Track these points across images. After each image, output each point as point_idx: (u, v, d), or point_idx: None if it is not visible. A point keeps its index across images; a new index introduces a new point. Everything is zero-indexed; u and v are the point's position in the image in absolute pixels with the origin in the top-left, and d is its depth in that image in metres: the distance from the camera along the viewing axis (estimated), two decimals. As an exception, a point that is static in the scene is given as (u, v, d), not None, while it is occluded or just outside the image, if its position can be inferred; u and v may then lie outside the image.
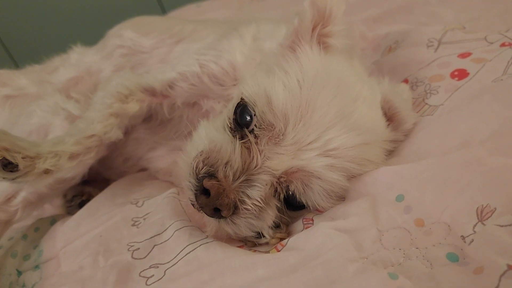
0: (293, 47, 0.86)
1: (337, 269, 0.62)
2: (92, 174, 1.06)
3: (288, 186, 0.76)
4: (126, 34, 1.23)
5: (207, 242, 0.77)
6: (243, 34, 1.00)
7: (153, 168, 1.11)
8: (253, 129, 0.78)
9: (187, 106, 1.03)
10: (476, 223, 0.63)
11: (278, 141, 0.75)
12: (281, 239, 0.78)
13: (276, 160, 0.74)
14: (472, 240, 0.61)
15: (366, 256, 0.66)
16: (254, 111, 0.78)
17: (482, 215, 0.63)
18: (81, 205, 1.08)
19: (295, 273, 0.64)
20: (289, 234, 0.80)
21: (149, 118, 1.07)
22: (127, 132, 1.04)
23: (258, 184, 0.73)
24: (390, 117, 0.88)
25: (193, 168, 0.76)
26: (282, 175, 0.75)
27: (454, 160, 0.72)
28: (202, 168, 0.74)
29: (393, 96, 0.89)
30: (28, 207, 0.96)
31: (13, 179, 0.79)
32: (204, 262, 0.72)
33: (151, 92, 0.99)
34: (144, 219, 0.89)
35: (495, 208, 0.63)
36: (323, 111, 0.75)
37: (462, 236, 0.63)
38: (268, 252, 0.75)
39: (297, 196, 0.77)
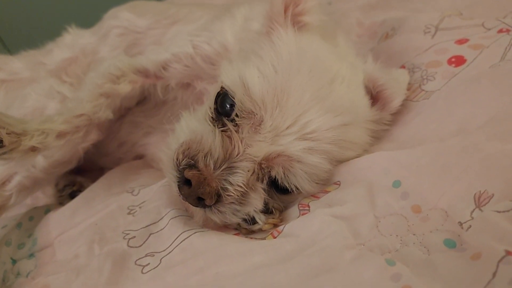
0: (268, 32, 0.85)
1: (334, 256, 0.62)
2: (87, 162, 1.05)
3: (270, 171, 0.77)
4: (122, 15, 1.22)
5: (203, 230, 0.76)
6: (235, 15, 1.00)
7: (149, 156, 1.10)
8: (234, 118, 0.78)
9: (181, 88, 1.02)
10: (474, 209, 0.62)
11: (258, 128, 0.75)
12: (274, 225, 0.78)
13: (256, 147, 0.75)
14: (470, 226, 0.61)
15: (363, 242, 0.65)
16: (233, 100, 0.78)
17: (480, 201, 0.63)
18: (72, 195, 1.08)
19: (291, 260, 0.64)
20: (282, 220, 0.80)
21: (143, 101, 1.07)
22: (121, 115, 1.03)
23: (240, 171, 0.73)
24: (375, 96, 0.87)
25: (174, 160, 0.76)
26: (263, 161, 0.75)
27: (452, 146, 0.72)
28: (183, 160, 0.75)
29: (378, 74, 0.88)
30: (23, 191, 0.95)
31: None
32: (200, 249, 0.71)
33: (144, 73, 0.99)
34: (140, 207, 0.88)
35: (493, 194, 0.62)
36: (298, 94, 0.75)
37: (459, 222, 0.62)
38: (264, 239, 0.74)
39: (279, 180, 0.77)
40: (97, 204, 0.92)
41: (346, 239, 0.65)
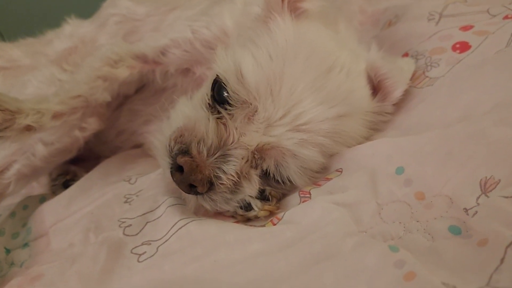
0: (266, 20, 0.83)
1: (335, 243, 0.60)
2: (84, 151, 1.03)
3: (262, 162, 0.75)
4: (121, 3, 1.20)
5: (200, 218, 0.74)
6: (235, 0, 0.97)
7: (147, 144, 1.08)
8: (229, 106, 0.76)
9: (180, 74, 1.00)
10: (480, 195, 0.60)
11: (252, 118, 0.74)
12: (271, 212, 0.76)
13: (249, 136, 0.73)
14: (476, 212, 0.59)
15: (365, 230, 0.63)
16: (227, 87, 0.76)
17: (486, 187, 0.61)
18: (65, 184, 1.06)
19: (291, 248, 0.62)
20: (279, 207, 0.78)
21: (142, 88, 1.05)
22: (120, 103, 1.01)
23: (234, 159, 0.72)
24: (377, 85, 0.85)
25: (167, 146, 0.75)
26: (256, 152, 0.74)
27: (456, 132, 0.70)
28: (175, 146, 0.74)
29: (381, 62, 0.85)
30: (22, 180, 0.93)
31: None
32: (197, 237, 0.69)
33: (142, 59, 0.97)
34: (137, 196, 0.87)
35: (499, 180, 0.60)
36: (291, 84, 0.73)
37: (465, 208, 0.60)
38: (264, 226, 0.72)
39: (272, 173, 0.76)
40: (94, 192, 0.90)
41: (347, 226, 0.63)
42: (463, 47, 0.92)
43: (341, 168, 0.78)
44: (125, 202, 0.86)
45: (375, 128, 0.83)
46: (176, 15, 1.10)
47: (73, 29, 1.24)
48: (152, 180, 0.88)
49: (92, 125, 0.95)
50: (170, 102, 1.02)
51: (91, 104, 0.90)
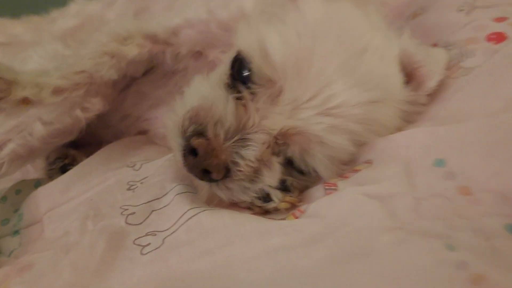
0: None
1: (369, 239, 0.53)
2: (84, 135, 0.95)
3: (286, 150, 0.68)
4: None
5: (213, 209, 0.67)
6: None
7: (153, 131, 1.00)
8: (250, 86, 0.69)
9: (192, 57, 0.93)
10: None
11: (276, 100, 0.67)
12: (292, 204, 0.69)
13: (272, 119, 0.66)
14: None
15: (401, 226, 0.55)
16: (250, 65, 0.69)
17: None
18: (62, 169, 0.98)
19: (318, 243, 0.55)
20: (301, 200, 0.71)
21: (151, 70, 0.97)
22: (127, 85, 0.94)
23: (254, 143, 0.65)
24: (410, 73, 0.78)
25: (180, 127, 0.68)
26: (279, 136, 0.67)
27: (502, 122, 0.63)
28: (189, 126, 0.67)
29: (415, 50, 0.79)
30: (16, 161, 0.84)
31: None
32: (209, 228, 0.62)
33: (152, 38, 0.90)
34: (141, 183, 0.79)
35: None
36: (323, 63, 0.66)
37: (519, 205, 0.53)
38: (284, 219, 0.64)
39: (296, 161, 0.69)
40: (94, 178, 0.82)
41: (382, 221, 0.55)
42: (499, 37, 0.86)
43: (370, 159, 0.71)
44: (128, 189, 0.78)
45: (408, 119, 0.76)
46: (190, -6, 1.02)
47: (80, 8, 1.16)
48: (158, 167, 0.80)
49: (96, 105, 0.87)
50: (179, 86, 0.96)
51: (96, 82, 0.83)
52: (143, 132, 1.03)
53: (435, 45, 0.95)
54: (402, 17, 1.17)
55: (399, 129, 0.74)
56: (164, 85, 0.98)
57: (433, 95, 0.80)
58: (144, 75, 0.99)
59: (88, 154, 0.94)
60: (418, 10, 1.12)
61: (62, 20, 1.13)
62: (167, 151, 0.92)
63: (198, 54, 0.95)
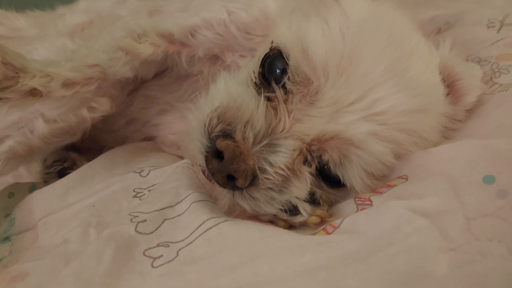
0: None
1: (426, 260, 0.46)
2: (88, 138, 0.88)
3: (321, 156, 0.62)
4: None
5: (234, 219, 0.60)
6: None
7: (160, 138, 0.93)
8: (284, 84, 0.63)
9: (208, 60, 0.87)
10: None
11: (314, 100, 0.61)
12: (322, 219, 0.62)
13: (308, 124, 0.60)
14: None
15: (454, 247, 0.49)
16: (287, 61, 0.63)
17: None
18: (60, 173, 0.90)
19: (363, 262, 0.48)
20: (331, 215, 0.64)
21: (162, 73, 0.91)
22: (135, 88, 0.87)
23: (284, 150, 0.59)
24: (449, 86, 0.72)
25: (205, 126, 0.62)
26: (314, 142, 0.61)
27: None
28: (217, 126, 0.61)
29: (455, 61, 0.74)
30: (13, 160, 0.75)
31: None
32: (231, 241, 0.55)
33: (168, 38, 0.84)
34: (149, 190, 0.71)
35: None
36: (370, 63, 0.61)
37: None
38: (314, 235, 0.57)
39: (332, 168, 0.62)
40: (96, 183, 0.75)
41: (435, 240, 0.49)
42: (534, 54, 0.81)
43: (405, 175, 0.64)
44: (135, 196, 0.71)
45: (445, 135, 0.70)
46: (207, -5, 0.97)
47: (89, 4, 1.10)
48: (169, 174, 0.72)
49: (103, 106, 0.79)
50: (190, 92, 0.90)
51: (108, 78, 0.75)
52: (149, 138, 0.96)
53: (466, 60, 0.90)
54: (425, 33, 1.14)
55: (436, 144, 0.68)
56: (175, 90, 0.92)
57: (469, 111, 0.75)
58: (154, 79, 0.93)
59: (88, 160, 0.86)
60: (443, 25, 1.09)
61: (70, 16, 1.07)
62: (176, 159, 0.86)
63: (215, 58, 0.89)
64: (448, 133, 0.72)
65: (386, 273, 0.45)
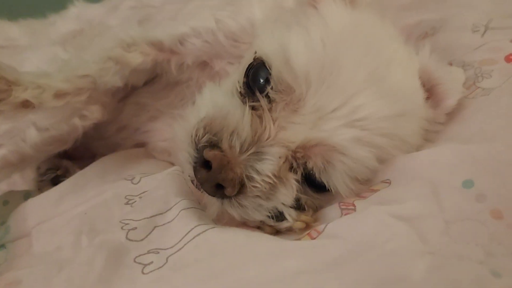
0: (313, 3, 0.73)
1: (402, 264, 0.48)
2: (78, 146, 0.90)
3: (305, 162, 0.63)
4: None
5: (222, 226, 0.61)
6: None
7: (151, 144, 0.95)
8: (267, 93, 0.65)
9: (197, 67, 0.88)
10: None
11: (297, 108, 0.63)
12: (307, 224, 0.64)
13: (292, 131, 0.62)
14: None
15: (433, 251, 0.51)
16: (270, 70, 0.65)
17: None
18: (54, 181, 0.92)
19: (344, 267, 0.49)
20: (316, 219, 0.66)
21: (152, 80, 0.92)
22: (126, 95, 0.88)
23: (270, 157, 0.61)
24: (429, 90, 0.74)
25: (192, 136, 0.63)
26: (299, 149, 0.63)
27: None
28: (203, 136, 0.62)
29: (435, 66, 0.76)
30: (6, 168, 0.77)
31: None
32: (219, 247, 0.57)
33: (158, 46, 0.85)
34: (140, 197, 0.73)
35: None
36: (351, 71, 0.62)
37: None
38: (299, 240, 0.59)
39: (317, 174, 0.64)
40: (89, 191, 0.76)
41: (413, 245, 0.51)
42: (517, 58, 0.83)
43: (388, 179, 0.66)
44: (126, 203, 0.72)
45: (427, 137, 0.72)
46: (196, 4, 0.98)
47: (80, 11, 1.11)
48: (160, 181, 0.74)
49: (94, 114, 0.81)
50: (180, 98, 0.92)
51: (99, 88, 0.77)
52: (140, 145, 0.98)
53: (450, 64, 0.92)
54: (411, 37, 1.15)
55: (418, 147, 0.70)
56: (165, 97, 0.93)
57: (451, 115, 0.77)
58: (144, 86, 0.94)
59: (81, 167, 0.88)
60: (429, 30, 1.10)
61: (61, 23, 1.08)
62: (167, 166, 0.87)
63: (203, 65, 0.90)
64: (429, 136, 0.74)
65: (364, 278, 0.46)
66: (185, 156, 0.63)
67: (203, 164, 0.60)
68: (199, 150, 0.61)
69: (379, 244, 0.51)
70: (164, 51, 0.87)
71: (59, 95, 0.71)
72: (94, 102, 0.81)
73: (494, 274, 0.43)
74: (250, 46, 0.82)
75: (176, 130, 0.68)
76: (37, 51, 0.94)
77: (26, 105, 0.67)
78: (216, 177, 0.59)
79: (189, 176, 0.64)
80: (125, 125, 0.96)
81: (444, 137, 0.73)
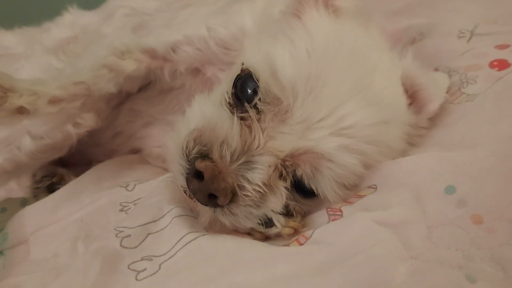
0: (298, 14, 0.75)
1: (385, 269, 0.50)
2: (74, 153, 0.92)
3: (295, 170, 0.66)
4: None
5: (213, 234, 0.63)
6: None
7: (146, 150, 0.97)
8: (256, 104, 0.67)
9: (190, 74, 0.91)
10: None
11: (285, 118, 0.65)
12: (295, 230, 0.66)
13: (281, 140, 0.64)
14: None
15: (415, 255, 0.53)
16: (257, 82, 0.67)
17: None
18: (49, 188, 0.93)
19: (330, 271, 0.52)
20: (304, 225, 0.68)
21: (146, 87, 0.94)
22: (120, 101, 0.90)
23: (260, 166, 0.63)
24: (412, 96, 0.77)
25: (183, 148, 0.65)
26: (288, 158, 0.64)
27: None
28: (194, 148, 0.64)
29: (417, 72, 0.78)
30: (2, 176, 0.79)
31: None
32: (210, 253, 0.59)
33: (151, 53, 0.87)
34: (135, 204, 0.75)
35: None
36: (336, 82, 0.64)
37: (537, 235, 0.51)
38: (288, 246, 0.61)
39: (306, 181, 0.66)
40: (85, 198, 0.78)
41: (396, 250, 0.53)
42: (501, 64, 0.85)
43: (374, 185, 0.68)
44: (121, 210, 0.74)
45: (410, 142, 0.75)
46: (189, 12, 1.01)
47: (75, 18, 1.13)
48: (154, 187, 0.76)
49: (88, 121, 0.83)
50: (174, 104, 0.94)
51: (93, 94, 0.79)
52: (135, 151, 1.00)
53: (436, 70, 0.94)
54: (400, 43, 1.17)
55: (403, 152, 0.72)
56: (159, 103, 0.96)
57: (436, 120, 0.80)
58: (139, 92, 0.97)
59: (76, 174, 0.90)
60: (417, 36, 1.12)
61: (55, 30, 1.10)
62: (162, 172, 0.89)
63: (196, 71, 0.92)
64: (413, 140, 0.76)
65: (348, 282, 0.49)
66: (177, 167, 0.65)
67: (195, 175, 0.62)
68: (190, 161, 0.63)
69: (364, 250, 0.53)
70: (157, 58, 0.89)
71: (53, 101, 0.73)
72: (88, 109, 0.83)
73: (469, 279, 0.45)
74: (240, 53, 0.84)
75: (167, 143, 0.69)
76: (32, 60, 0.96)
77: (21, 111, 0.69)
78: (208, 187, 0.61)
79: (181, 186, 0.65)
80: (120, 132, 0.98)
81: (428, 142, 0.75)
